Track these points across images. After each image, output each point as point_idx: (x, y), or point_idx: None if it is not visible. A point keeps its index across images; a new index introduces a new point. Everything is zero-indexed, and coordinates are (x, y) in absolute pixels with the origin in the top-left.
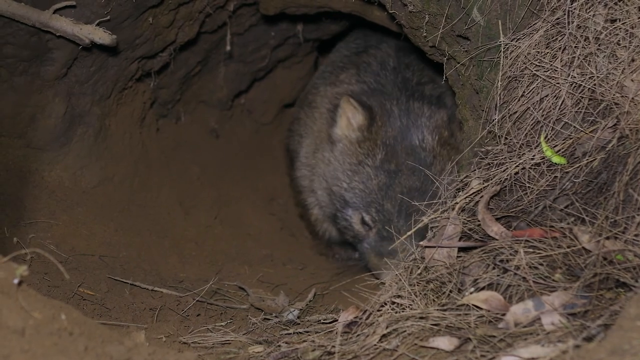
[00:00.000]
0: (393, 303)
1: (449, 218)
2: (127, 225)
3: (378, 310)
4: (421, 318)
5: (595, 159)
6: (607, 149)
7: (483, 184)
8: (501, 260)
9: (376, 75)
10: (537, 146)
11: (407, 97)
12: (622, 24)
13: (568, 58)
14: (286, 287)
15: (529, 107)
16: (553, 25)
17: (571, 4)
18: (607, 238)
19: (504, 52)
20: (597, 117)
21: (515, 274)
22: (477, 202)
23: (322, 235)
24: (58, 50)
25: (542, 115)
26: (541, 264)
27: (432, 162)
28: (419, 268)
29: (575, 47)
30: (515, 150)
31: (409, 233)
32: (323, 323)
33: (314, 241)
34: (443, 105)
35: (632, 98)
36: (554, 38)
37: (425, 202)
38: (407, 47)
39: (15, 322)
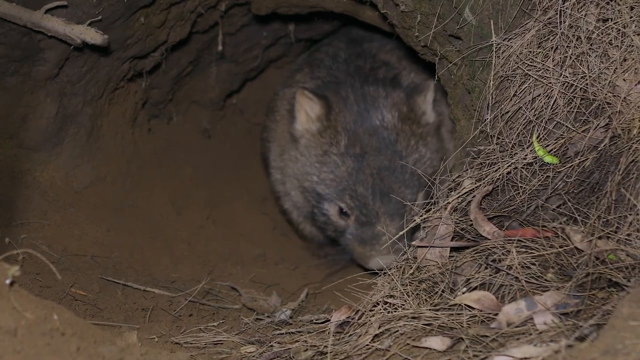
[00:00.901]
0: (385, 303)
1: (441, 218)
2: (119, 226)
3: (370, 310)
4: (413, 318)
5: (588, 159)
6: (599, 148)
7: (475, 183)
8: (493, 260)
9: (329, 69)
10: (529, 146)
11: (361, 82)
12: (614, 23)
13: (560, 58)
14: (278, 287)
15: (521, 107)
16: (545, 25)
17: (563, 4)
18: (600, 238)
19: (496, 51)
20: (589, 116)
21: (508, 273)
22: (470, 201)
23: (310, 238)
24: (50, 51)
25: (534, 115)
26: (533, 264)
27: (396, 140)
28: (411, 268)
29: (567, 46)
30: (507, 150)
31: (400, 233)
32: (315, 323)
33: (304, 243)
34: (398, 85)
35: (624, 97)
36: (546, 38)
37: (397, 181)
38: (358, 37)
39: (8, 323)
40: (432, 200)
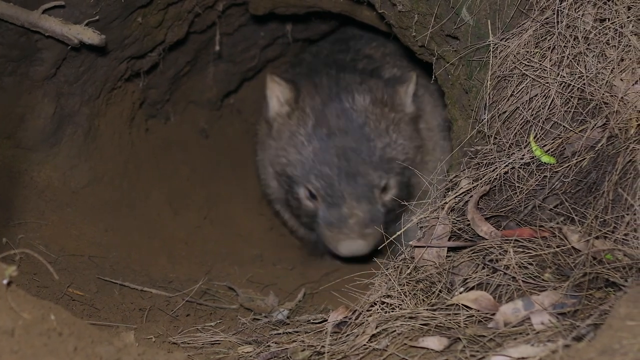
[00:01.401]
0: (383, 303)
1: (438, 218)
2: (116, 226)
3: (367, 310)
4: (411, 318)
5: (585, 159)
6: (597, 148)
7: (472, 183)
8: (491, 260)
9: (308, 64)
10: (526, 146)
11: (337, 70)
12: (611, 23)
13: (557, 57)
14: (276, 287)
15: (518, 107)
16: (542, 25)
17: (560, 4)
18: (597, 237)
19: (493, 51)
20: (587, 116)
21: (505, 273)
22: (467, 201)
23: (307, 239)
24: (47, 51)
25: (532, 115)
26: (531, 264)
27: (365, 122)
28: (408, 268)
29: (564, 46)
30: (504, 150)
31: (396, 234)
32: (312, 323)
33: (301, 243)
34: (378, 76)
35: (621, 97)
36: (543, 38)
37: (363, 163)
38: (346, 36)
39: (5, 323)
40: (429, 201)
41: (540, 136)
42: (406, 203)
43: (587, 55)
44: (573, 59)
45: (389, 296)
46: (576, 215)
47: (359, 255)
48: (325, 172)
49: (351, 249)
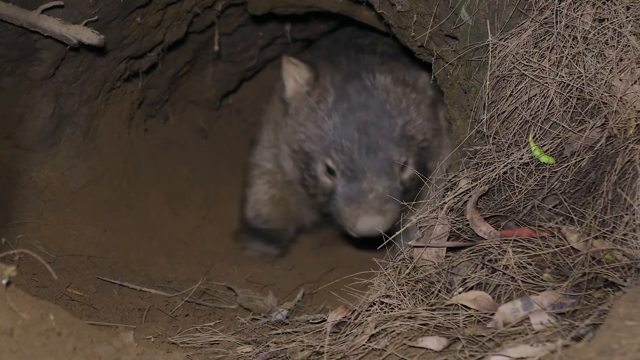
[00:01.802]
0: (382, 303)
1: (437, 218)
2: (115, 226)
3: (367, 310)
4: (410, 318)
5: (584, 159)
6: (596, 148)
7: (471, 183)
8: (490, 260)
9: (327, 49)
10: (525, 146)
11: (356, 52)
12: (610, 23)
13: (556, 57)
14: (275, 287)
15: (517, 107)
16: (541, 25)
17: (559, 4)
18: (596, 237)
19: (492, 51)
20: (586, 116)
21: (504, 273)
22: (466, 201)
23: (251, 219)
24: (46, 51)
25: (531, 115)
26: (530, 264)
27: (385, 99)
28: (407, 268)
29: (563, 46)
30: (503, 150)
31: (396, 234)
32: (312, 323)
33: (241, 224)
34: (398, 60)
35: (620, 97)
36: (542, 37)
37: (384, 138)
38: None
39: (4, 323)
40: (429, 201)
41: (539, 136)
42: (423, 178)
43: (586, 55)
44: (572, 59)
45: (388, 296)
46: (575, 215)
47: (374, 235)
48: (345, 146)
49: (369, 225)
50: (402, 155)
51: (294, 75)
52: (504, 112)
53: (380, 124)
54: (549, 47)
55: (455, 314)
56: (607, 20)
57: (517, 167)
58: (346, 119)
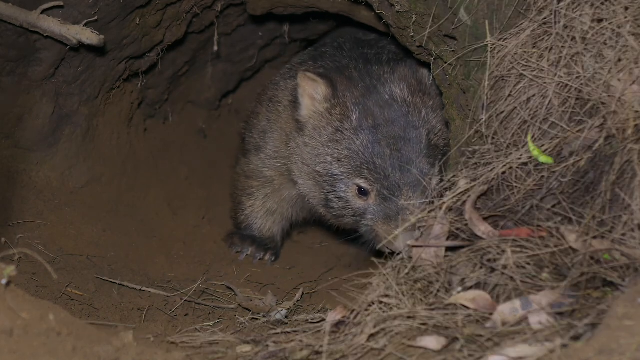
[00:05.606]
0: (381, 302)
1: (436, 217)
2: (115, 226)
3: (366, 310)
4: (409, 317)
5: (582, 159)
6: (594, 148)
7: (470, 183)
8: (488, 260)
9: (333, 57)
10: (524, 146)
11: (365, 63)
12: (609, 23)
13: (555, 58)
14: (274, 287)
15: (516, 107)
16: (540, 25)
17: (558, 4)
18: (594, 237)
19: (491, 52)
20: (584, 116)
21: (503, 273)
22: (465, 201)
23: (244, 228)
24: (46, 51)
25: (529, 115)
26: (528, 264)
27: (407, 111)
28: (406, 267)
29: (562, 46)
30: (502, 150)
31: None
32: (311, 323)
33: (234, 229)
34: (403, 61)
35: (619, 98)
36: (541, 38)
37: (414, 151)
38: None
39: (4, 323)
40: (428, 200)
41: (538, 136)
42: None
43: (584, 56)
44: (571, 59)
45: (387, 296)
46: (574, 215)
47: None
48: (379, 164)
49: (410, 244)
50: (432, 166)
51: (310, 92)
52: (502, 112)
53: (408, 137)
54: (547, 48)
55: (454, 313)
56: (606, 21)
57: (516, 167)
58: (374, 137)
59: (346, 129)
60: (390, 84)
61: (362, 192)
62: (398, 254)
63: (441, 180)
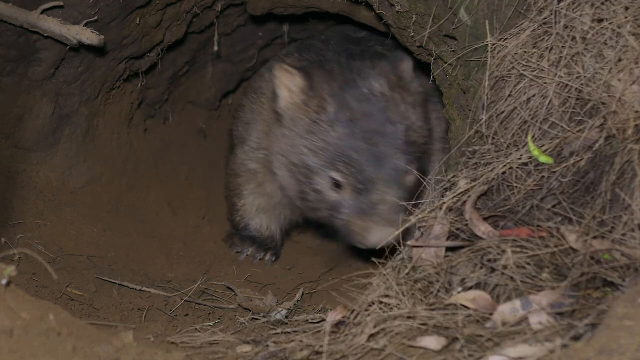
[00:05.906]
0: (380, 303)
1: (436, 217)
2: (115, 226)
3: (366, 310)
4: (409, 317)
5: (583, 159)
6: (594, 148)
7: (470, 183)
8: (488, 260)
9: (318, 51)
10: (524, 146)
11: (347, 58)
12: (609, 23)
13: (555, 58)
14: (274, 287)
15: (516, 107)
16: (540, 25)
17: (558, 4)
18: (595, 237)
19: (491, 52)
20: (584, 116)
21: (503, 273)
22: (465, 201)
23: (241, 229)
24: (46, 51)
25: (529, 115)
26: (528, 264)
27: (386, 106)
28: (406, 267)
29: (562, 46)
30: (502, 150)
31: (399, 230)
32: (311, 323)
33: (232, 230)
34: (384, 57)
35: (619, 97)
36: (541, 38)
37: (391, 146)
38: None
39: (4, 323)
40: (428, 200)
41: (538, 136)
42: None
43: (584, 56)
44: (571, 59)
45: (387, 296)
46: (574, 215)
47: (385, 245)
48: (353, 158)
49: (381, 237)
50: (409, 163)
51: (287, 83)
52: (502, 112)
53: (385, 131)
54: (547, 47)
55: (454, 313)
56: (606, 21)
57: (516, 167)
58: (350, 130)
59: (322, 121)
60: (369, 78)
61: (336, 185)
62: (398, 254)
63: (422, 178)
